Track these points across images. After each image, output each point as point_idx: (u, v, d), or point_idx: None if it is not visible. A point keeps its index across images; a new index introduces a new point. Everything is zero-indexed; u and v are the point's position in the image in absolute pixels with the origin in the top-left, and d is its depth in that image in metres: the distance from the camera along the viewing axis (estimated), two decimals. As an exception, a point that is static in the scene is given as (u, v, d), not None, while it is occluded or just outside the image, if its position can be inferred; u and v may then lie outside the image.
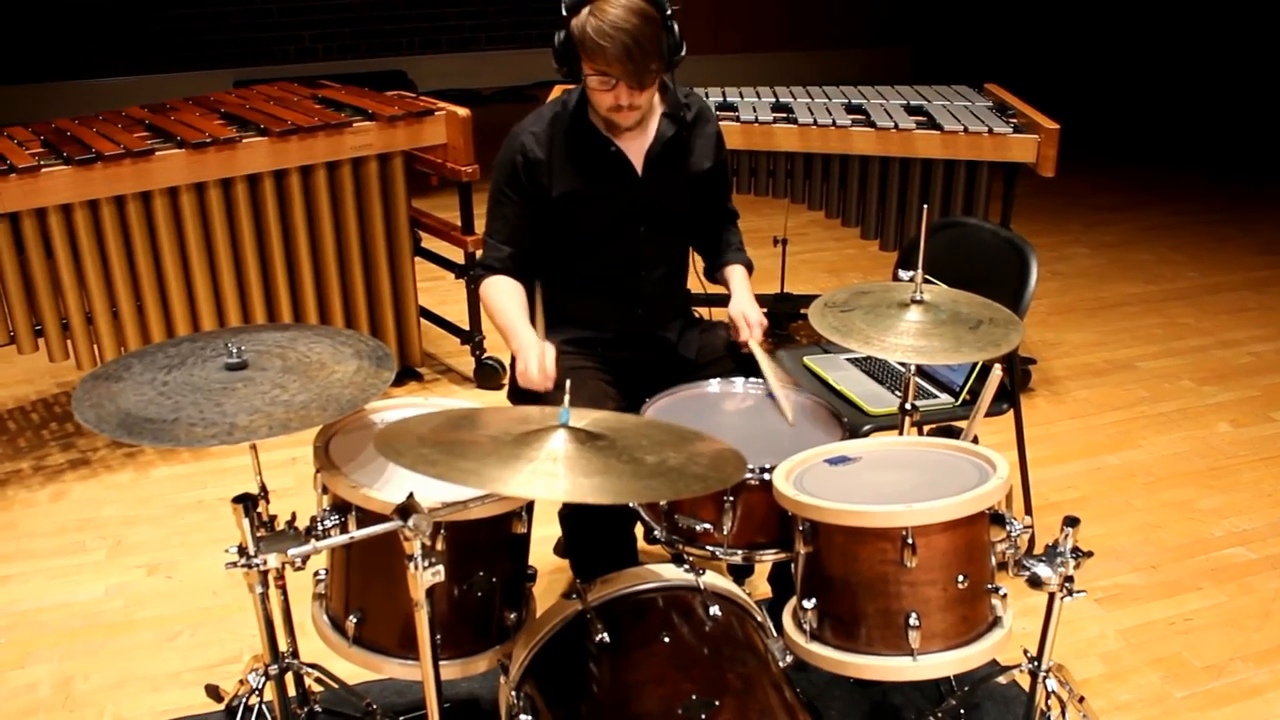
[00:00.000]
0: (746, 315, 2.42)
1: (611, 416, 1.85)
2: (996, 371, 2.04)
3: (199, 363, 1.89)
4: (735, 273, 2.55)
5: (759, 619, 1.96)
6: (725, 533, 1.99)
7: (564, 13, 2.19)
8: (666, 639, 1.83)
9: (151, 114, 3.65)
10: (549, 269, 2.49)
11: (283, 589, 2.03)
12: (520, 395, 2.43)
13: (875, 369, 2.87)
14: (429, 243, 4.00)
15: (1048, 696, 2.00)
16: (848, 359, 2.93)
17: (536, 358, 2.24)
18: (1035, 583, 1.84)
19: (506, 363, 3.74)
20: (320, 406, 1.77)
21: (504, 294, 2.40)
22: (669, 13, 2.21)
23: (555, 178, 2.37)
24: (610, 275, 2.47)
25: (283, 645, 2.02)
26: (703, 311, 2.70)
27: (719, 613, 1.87)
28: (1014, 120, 3.61)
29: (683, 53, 2.25)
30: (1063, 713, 2.02)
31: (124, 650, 2.63)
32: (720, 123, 2.57)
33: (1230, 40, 7.87)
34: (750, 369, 2.40)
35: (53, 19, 7.26)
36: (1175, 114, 7.93)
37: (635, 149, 2.39)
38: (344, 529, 1.84)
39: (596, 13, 2.14)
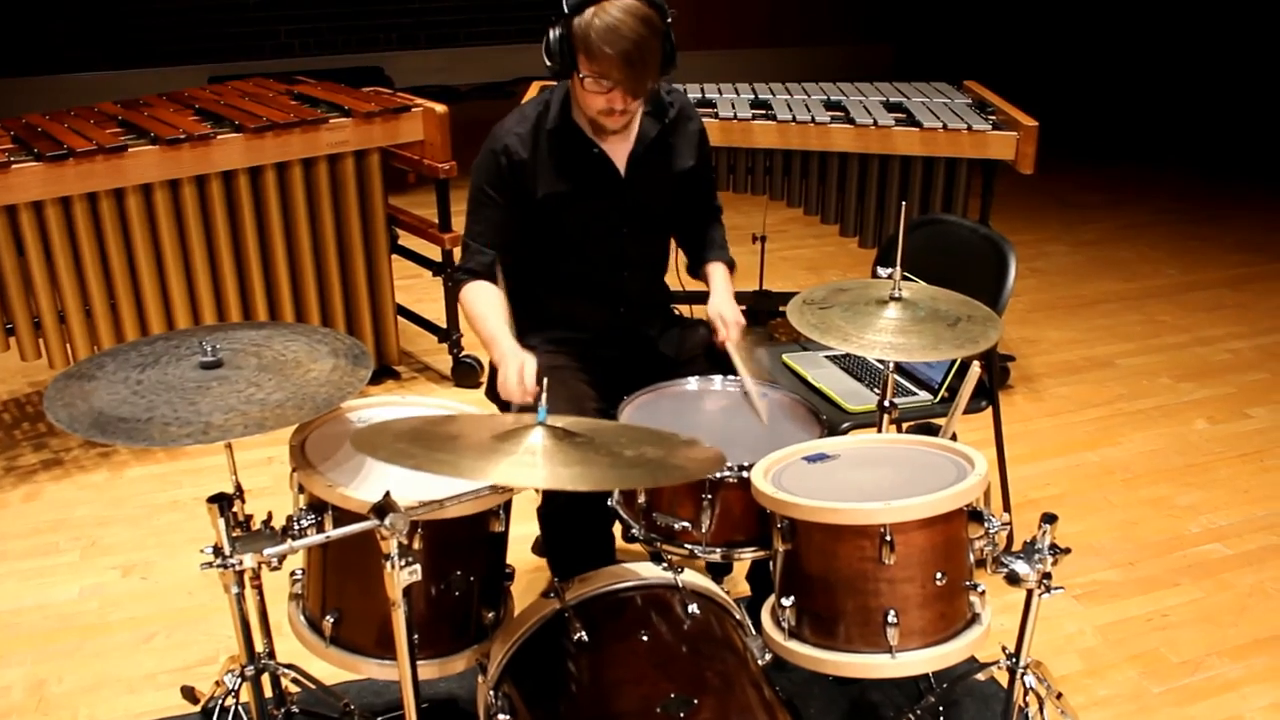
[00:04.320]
0: (723, 315, 2.42)
1: (588, 421, 1.85)
2: (975, 369, 2.05)
3: (173, 361, 1.89)
4: (716, 271, 2.55)
5: (737, 617, 1.97)
6: (704, 531, 2.00)
7: (564, 9, 2.16)
8: (645, 637, 1.83)
9: (125, 110, 3.62)
10: (531, 268, 2.49)
11: (259, 589, 2.02)
12: (496, 394, 2.43)
13: (854, 366, 2.88)
14: (406, 240, 3.99)
15: (1026, 693, 2.01)
16: (826, 356, 2.94)
17: (516, 370, 2.20)
18: (1013, 579, 1.85)
19: (484, 361, 3.75)
20: (296, 405, 1.77)
21: (485, 302, 2.36)
22: (669, 22, 2.21)
23: (539, 179, 2.36)
24: (592, 275, 2.47)
25: (259, 646, 2.02)
26: (683, 309, 2.71)
27: (697, 611, 1.88)
28: (993, 117, 3.63)
29: (675, 64, 2.25)
30: (1041, 709, 2.03)
31: (98, 652, 2.62)
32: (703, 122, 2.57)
33: (1210, 40, 7.93)
34: (729, 367, 2.40)
35: (24, 12, 7.20)
36: (1155, 112, 7.99)
37: (619, 151, 2.39)
38: (320, 528, 1.83)
39: (603, 15, 2.11)
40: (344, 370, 1.88)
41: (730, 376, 2.35)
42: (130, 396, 1.77)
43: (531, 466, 1.55)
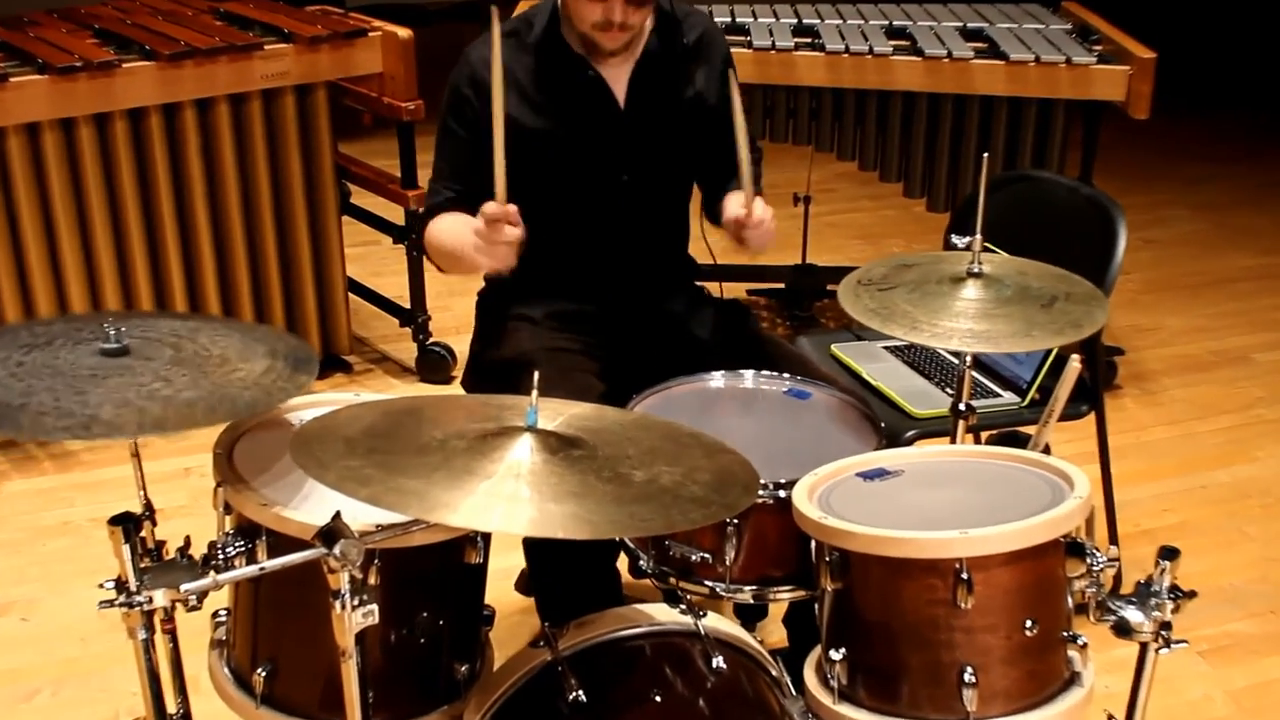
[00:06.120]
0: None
1: (590, 412, 1.85)
2: (1074, 364, 2.04)
3: (69, 345, 1.88)
4: (735, 196, 2.49)
5: (773, 673, 1.96)
6: (728, 564, 1.99)
7: None
8: (658, 698, 1.84)
9: (5, 30, 3.63)
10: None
11: (172, 634, 2.02)
12: (477, 386, 2.43)
13: (920, 360, 2.88)
14: (359, 198, 4.00)
15: (1138, 773, 2.01)
16: (885, 347, 2.94)
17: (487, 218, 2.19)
18: (1123, 630, 1.85)
19: (459, 350, 3.75)
20: (209, 407, 1.76)
21: (450, 223, 2.39)
22: None
23: (513, 113, 2.37)
24: (590, 235, 2.47)
25: (171, 706, 2.02)
26: (713, 288, 2.70)
27: (723, 665, 1.88)
28: (1099, 48, 3.62)
29: None
30: (1156, 793, 2.03)
31: (-31, 711, 2.63)
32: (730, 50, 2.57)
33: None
34: (770, 357, 2.39)
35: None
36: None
37: (618, 75, 2.40)
38: (252, 558, 1.84)
39: None
40: (279, 373, 1.88)
41: (765, 372, 2.35)
42: (6, 379, 1.76)
43: (514, 500, 1.55)
